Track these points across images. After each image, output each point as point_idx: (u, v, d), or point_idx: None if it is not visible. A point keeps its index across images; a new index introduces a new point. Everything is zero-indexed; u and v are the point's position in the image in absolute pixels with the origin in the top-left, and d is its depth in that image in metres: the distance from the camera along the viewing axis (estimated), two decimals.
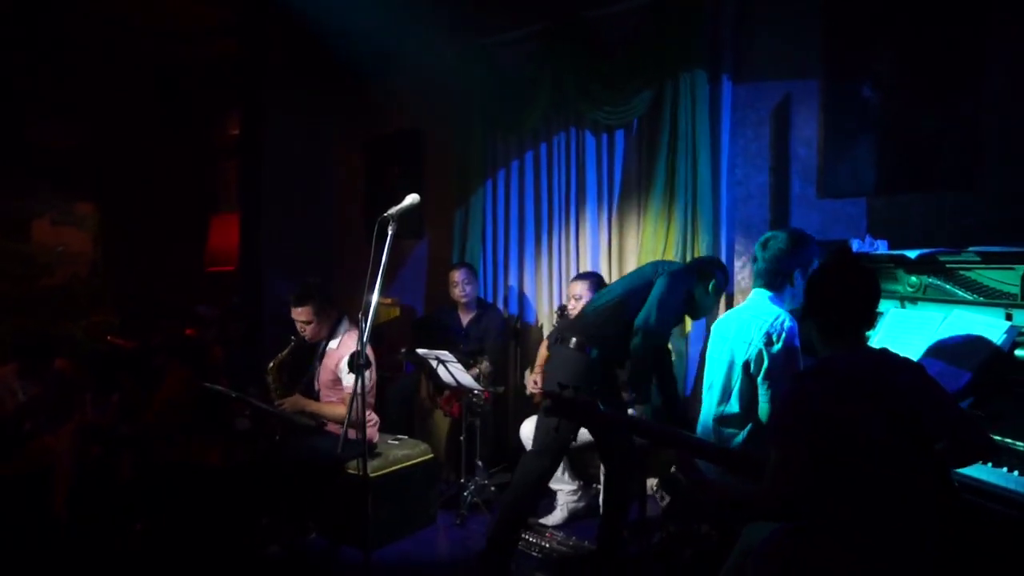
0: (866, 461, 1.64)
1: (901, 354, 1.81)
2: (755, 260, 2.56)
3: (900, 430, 1.64)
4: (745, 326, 2.47)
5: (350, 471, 3.28)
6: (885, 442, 1.64)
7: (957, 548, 1.67)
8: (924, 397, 1.69)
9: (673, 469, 2.86)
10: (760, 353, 2.39)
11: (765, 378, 2.39)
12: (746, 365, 2.44)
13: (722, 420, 2.52)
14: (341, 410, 3.37)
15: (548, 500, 3.88)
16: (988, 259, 2.49)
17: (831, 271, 1.88)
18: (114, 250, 6.34)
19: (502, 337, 4.44)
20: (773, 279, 2.50)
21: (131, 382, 4.23)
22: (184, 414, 4.18)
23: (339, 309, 3.60)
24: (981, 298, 2.51)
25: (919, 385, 1.71)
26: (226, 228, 6.08)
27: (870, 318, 1.86)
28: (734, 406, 2.49)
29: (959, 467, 1.92)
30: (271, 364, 3.47)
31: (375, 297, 2.53)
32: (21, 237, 5.88)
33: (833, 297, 1.83)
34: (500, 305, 4.80)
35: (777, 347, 2.37)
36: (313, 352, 3.57)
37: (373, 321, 2.52)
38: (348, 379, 3.31)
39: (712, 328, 2.71)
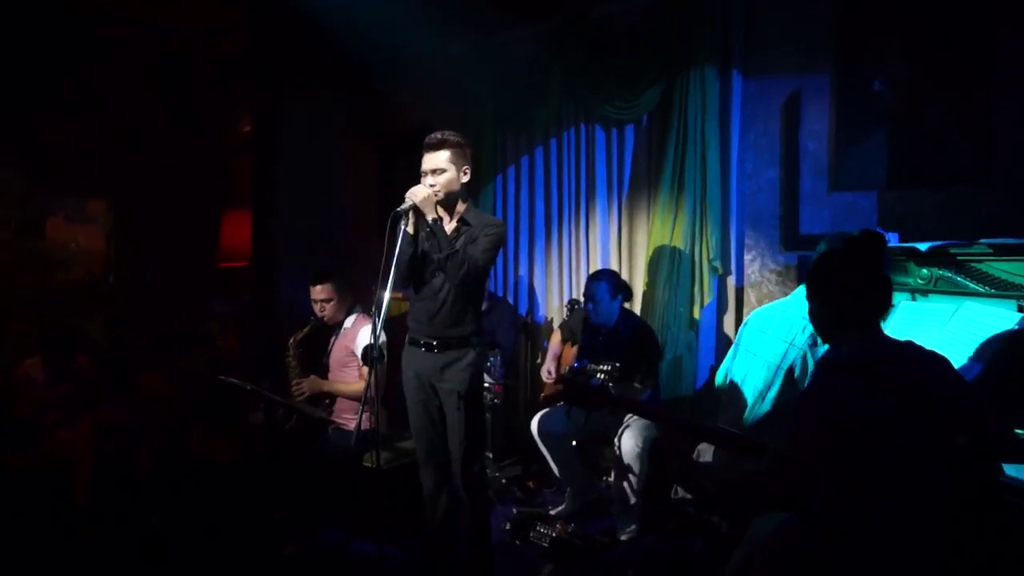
0: (884, 455, 1.61)
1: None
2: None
3: (923, 424, 1.60)
4: (788, 323, 2.39)
5: (363, 464, 3.32)
6: (906, 437, 1.61)
7: (973, 541, 1.65)
8: (951, 391, 1.65)
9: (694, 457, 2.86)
10: (805, 357, 2.33)
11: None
12: (789, 369, 2.35)
13: (757, 421, 2.44)
14: (357, 386, 3.43)
15: (559, 492, 3.92)
16: (1000, 251, 2.49)
17: (846, 256, 1.82)
18: (127, 247, 6.40)
19: (513, 330, 4.47)
20: None
21: (148, 377, 4.29)
22: (190, 408, 4.24)
23: (354, 295, 3.67)
24: (992, 290, 2.51)
25: (947, 379, 1.67)
26: (239, 224, 6.13)
27: (883, 306, 1.79)
28: (768, 408, 2.42)
29: (984, 463, 1.85)
30: (291, 340, 3.53)
31: (387, 293, 2.55)
32: (36, 234, 5.95)
33: (849, 284, 1.76)
34: (510, 299, 4.82)
35: (822, 349, 2.29)
36: (330, 332, 3.63)
37: (386, 315, 2.55)
38: (360, 351, 3.41)
39: (747, 319, 2.65)
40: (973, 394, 1.68)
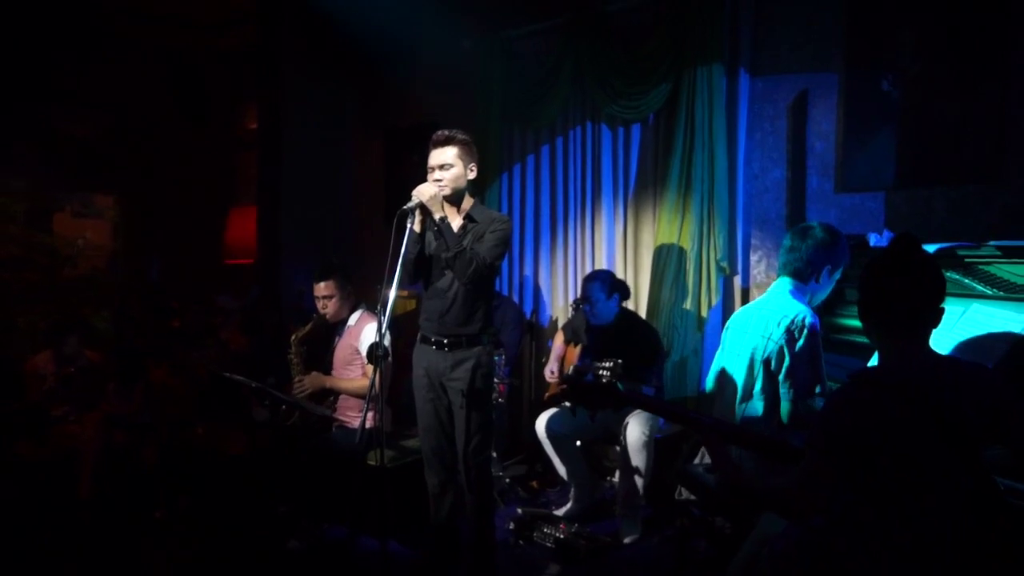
0: (903, 472, 1.58)
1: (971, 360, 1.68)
2: (789, 249, 2.46)
3: (947, 442, 1.55)
4: (764, 320, 2.41)
5: (367, 462, 3.32)
6: (927, 455, 1.57)
7: (984, 552, 1.61)
8: (985, 409, 1.57)
9: (698, 459, 2.85)
10: (781, 350, 2.32)
11: (787, 377, 2.32)
12: (767, 362, 2.37)
13: (744, 421, 2.45)
14: (359, 383, 3.43)
15: (563, 492, 3.92)
16: (1008, 253, 2.47)
17: (885, 264, 1.71)
18: (134, 241, 6.42)
19: (518, 329, 4.46)
20: (804, 268, 2.41)
21: (156, 372, 4.31)
22: (196, 403, 4.26)
23: (357, 292, 3.67)
24: (1001, 292, 2.49)
25: (982, 396, 1.58)
26: (245, 220, 6.14)
27: (933, 315, 1.67)
28: (757, 407, 2.42)
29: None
30: (293, 337, 3.54)
31: (393, 291, 2.54)
32: (44, 228, 5.98)
33: (888, 293, 1.67)
34: (515, 298, 4.82)
35: (800, 344, 2.29)
36: (333, 330, 3.63)
37: (391, 314, 2.54)
38: (364, 349, 3.41)
39: (728, 322, 2.67)
40: (1012, 407, 1.58)
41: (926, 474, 1.57)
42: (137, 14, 5.79)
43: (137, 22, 5.92)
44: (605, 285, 3.66)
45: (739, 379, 2.49)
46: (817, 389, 2.33)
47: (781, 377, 2.34)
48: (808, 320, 2.31)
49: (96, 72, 6.02)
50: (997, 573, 1.58)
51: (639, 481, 3.40)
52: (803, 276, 2.43)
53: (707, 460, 2.68)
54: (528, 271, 4.82)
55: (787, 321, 2.33)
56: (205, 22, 6.03)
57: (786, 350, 2.31)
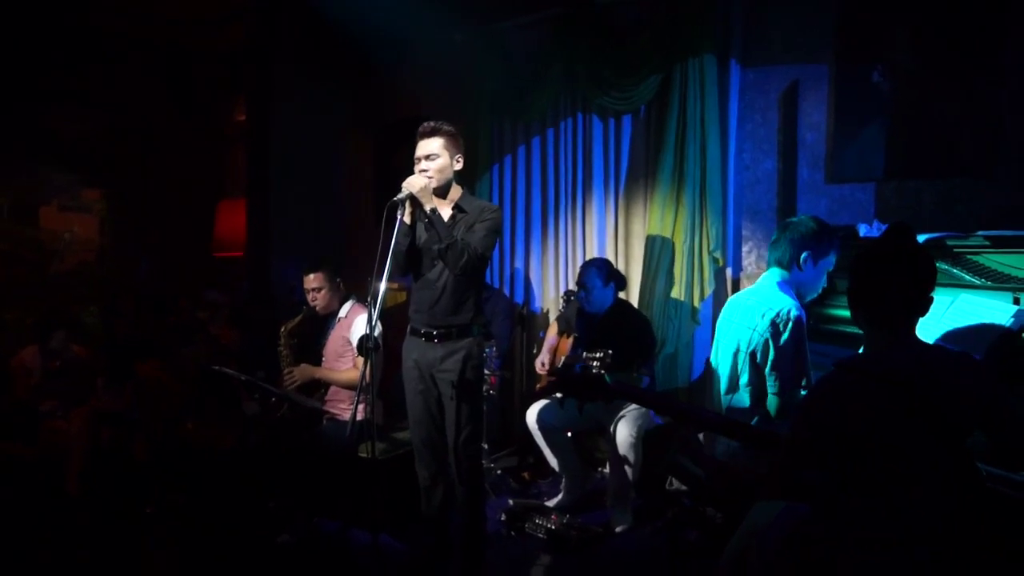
0: (890, 461, 1.58)
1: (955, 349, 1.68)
2: (773, 241, 2.51)
3: (933, 432, 1.56)
4: (750, 311, 2.43)
5: (358, 454, 3.31)
6: (914, 444, 1.57)
7: (971, 540, 1.62)
8: (972, 399, 1.58)
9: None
10: (766, 343, 2.34)
11: (772, 369, 2.34)
12: (752, 354, 2.39)
13: (731, 412, 2.47)
14: (349, 374, 3.43)
15: (554, 484, 3.93)
16: (997, 243, 2.49)
17: (877, 253, 1.72)
18: (122, 236, 6.37)
19: (509, 321, 4.46)
20: (783, 256, 2.45)
21: (145, 366, 4.29)
22: (186, 397, 4.24)
23: (346, 284, 3.66)
24: (989, 282, 2.51)
25: (969, 386, 1.59)
26: (234, 213, 6.09)
27: (919, 304, 1.68)
28: (743, 398, 2.44)
29: (1006, 469, 1.82)
30: (283, 328, 3.52)
31: (383, 284, 2.53)
32: (30, 222, 5.92)
33: (874, 281, 1.68)
34: (506, 291, 4.81)
35: (784, 337, 2.31)
36: (324, 323, 3.61)
37: (382, 305, 2.53)
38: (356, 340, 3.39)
39: (722, 311, 2.68)
40: (1001, 402, 1.60)
41: (913, 464, 1.57)
42: (130, 9, 5.72)
43: (130, 17, 5.85)
44: (602, 272, 3.66)
45: (725, 370, 2.51)
46: (803, 382, 2.34)
47: (767, 370, 2.36)
48: (793, 313, 2.32)
49: (90, 69, 5.96)
50: (984, 562, 1.59)
51: (629, 472, 3.40)
52: (785, 264, 2.46)
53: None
54: (519, 263, 4.81)
55: (772, 314, 2.34)
56: (196, 17, 5.96)
57: (771, 343, 2.33)
